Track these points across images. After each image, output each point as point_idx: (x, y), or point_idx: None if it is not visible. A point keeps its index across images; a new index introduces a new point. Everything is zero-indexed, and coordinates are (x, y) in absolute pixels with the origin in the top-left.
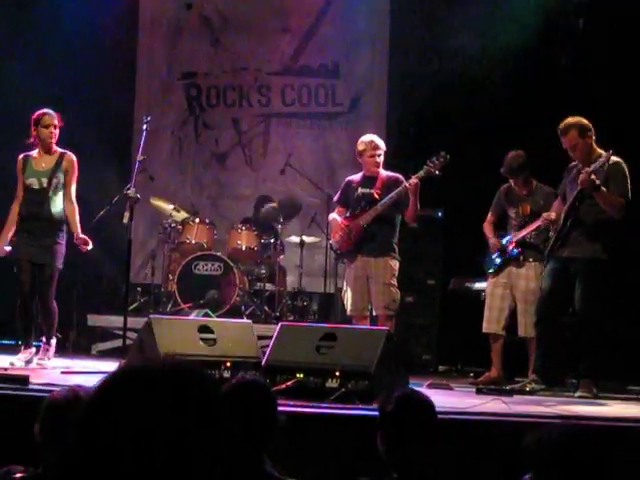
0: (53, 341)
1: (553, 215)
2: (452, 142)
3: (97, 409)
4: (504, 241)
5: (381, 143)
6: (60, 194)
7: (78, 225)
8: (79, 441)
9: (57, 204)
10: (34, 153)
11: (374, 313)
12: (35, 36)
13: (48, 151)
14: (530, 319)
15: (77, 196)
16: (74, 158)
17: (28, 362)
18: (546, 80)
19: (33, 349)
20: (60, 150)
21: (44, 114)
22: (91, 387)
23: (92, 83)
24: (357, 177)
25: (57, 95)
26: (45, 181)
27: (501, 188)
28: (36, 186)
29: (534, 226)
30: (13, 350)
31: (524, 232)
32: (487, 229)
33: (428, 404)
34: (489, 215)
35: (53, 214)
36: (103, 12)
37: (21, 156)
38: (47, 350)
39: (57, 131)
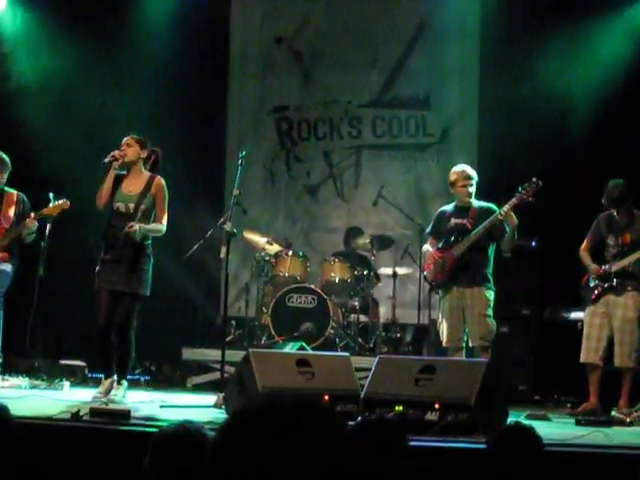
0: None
1: None
2: (546, 169)
3: (224, 451)
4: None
5: (472, 173)
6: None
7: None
8: None
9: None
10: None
11: (470, 344)
12: (127, 70)
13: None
14: (627, 349)
15: (172, 231)
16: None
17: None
18: None
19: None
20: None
21: None
22: (201, 424)
23: (184, 117)
24: (450, 208)
25: (148, 130)
26: (132, 206)
27: (600, 215)
28: (123, 210)
29: (636, 256)
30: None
31: (625, 261)
32: (585, 256)
33: (536, 437)
34: (585, 242)
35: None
36: (194, 46)
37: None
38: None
39: (125, 147)
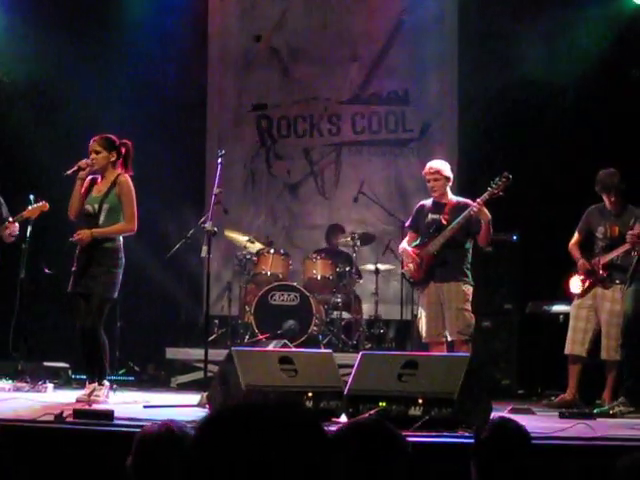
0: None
1: (637, 230)
2: (526, 162)
3: (202, 448)
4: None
5: (441, 168)
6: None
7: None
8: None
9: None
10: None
11: (449, 339)
12: (108, 68)
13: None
14: (614, 342)
15: (151, 229)
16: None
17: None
18: (621, 96)
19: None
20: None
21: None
22: (184, 422)
23: (163, 118)
24: (428, 202)
25: (128, 129)
26: (96, 206)
27: (590, 208)
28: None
29: (623, 249)
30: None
31: (612, 254)
32: (574, 250)
33: (523, 431)
34: (575, 235)
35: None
36: (172, 47)
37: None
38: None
39: (94, 155)
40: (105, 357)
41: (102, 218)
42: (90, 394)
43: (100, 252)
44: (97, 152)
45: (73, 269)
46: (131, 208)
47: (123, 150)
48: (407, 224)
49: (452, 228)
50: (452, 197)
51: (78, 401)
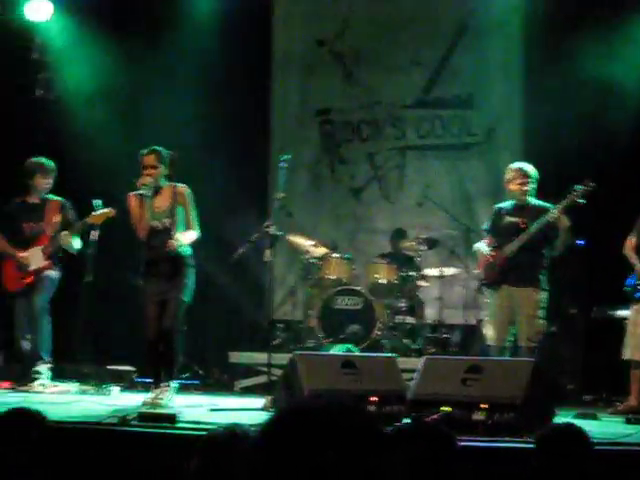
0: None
1: None
2: (593, 166)
3: (265, 451)
4: None
5: (531, 171)
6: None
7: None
8: None
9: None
10: None
11: (517, 344)
12: (169, 78)
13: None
14: None
15: (215, 234)
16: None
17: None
18: None
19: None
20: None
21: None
22: (248, 426)
23: (227, 121)
24: (506, 205)
25: (193, 137)
26: (167, 221)
27: None
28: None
29: None
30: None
31: None
32: (630, 254)
33: (584, 435)
34: (630, 239)
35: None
36: (236, 52)
37: None
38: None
39: (152, 170)
40: (177, 360)
41: (174, 231)
42: (155, 397)
43: (177, 262)
44: (154, 167)
45: (145, 281)
46: (195, 216)
47: (170, 158)
48: (484, 227)
49: (530, 232)
50: (533, 201)
51: (144, 404)
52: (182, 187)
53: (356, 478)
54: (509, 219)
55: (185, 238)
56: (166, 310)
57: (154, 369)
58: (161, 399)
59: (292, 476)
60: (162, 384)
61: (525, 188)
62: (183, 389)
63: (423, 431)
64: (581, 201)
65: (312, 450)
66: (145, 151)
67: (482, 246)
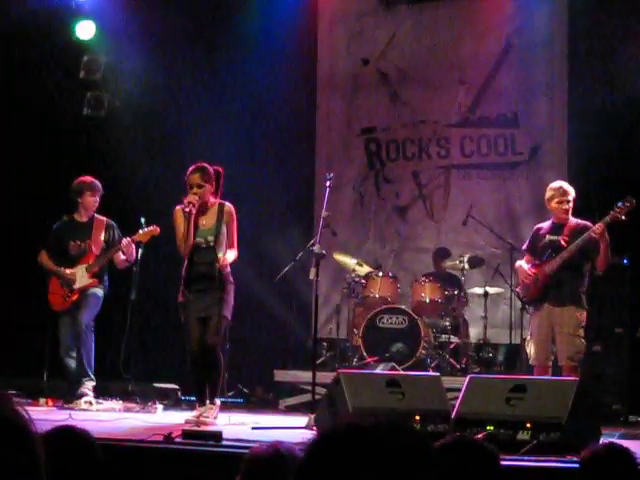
0: (217, 401)
1: None
2: (637, 186)
3: (311, 470)
4: None
5: (570, 189)
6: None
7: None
8: None
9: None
10: None
11: (558, 363)
12: (215, 98)
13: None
14: None
15: (261, 252)
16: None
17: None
18: None
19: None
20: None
21: None
22: (292, 444)
23: (273, 141)
24: (546, 224)
25: (238, 155)
26: (212, 239)
27: None
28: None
29: None
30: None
31: None
32: None
33: (630, 456)
34: None
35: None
36: (281, 71)
37: None
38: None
39: (197, 189)
40: (221, 377)
41: (219, 249)
42: (199, 415)
43: (218, 280)
44: (200, 186)
45: (186, 298)
46: (236, 235)
47: (215, 176)
48: (524, 247)
49: (570, 250)
50: (572, 219)
51: (187, 422)
52: (229, 206)
53: None
54: (549, 237)
55: (230, 257)
56: (208, 327)
57: (198, 387)
58: (206, 417)
59: None
60: (207, 402)
61: (565, 207)
62: (227, 407)
63: (467, 446)
64: (622, 218)
65: (358, 470)
66: (191, 169)
67: (523, 264)
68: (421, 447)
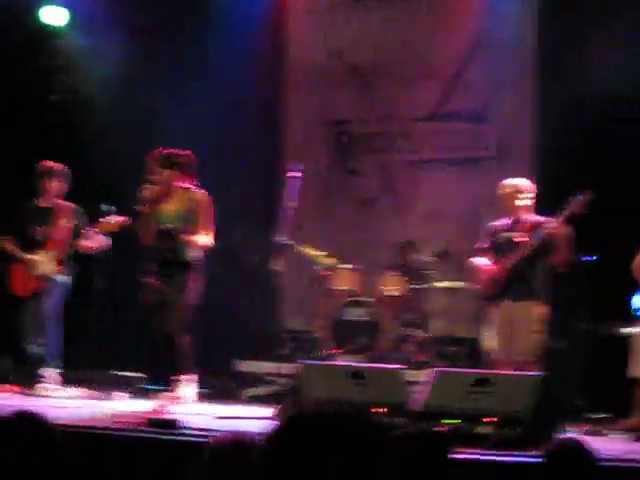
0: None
1: None
2: (603, 182)
3: (273, 457)
4: None
5: (525, 186)
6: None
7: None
8: None
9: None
10: None
11: (519, 358)
12: (184, 82)
13: None
14: None
15: (226, 243)
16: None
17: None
18: None
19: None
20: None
21: None
22: (255, 433)
23: (239, 130)
24: (501, 222)
25: (204, 143)
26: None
27: None
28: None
29: None
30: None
31: None
32: (638, 270)
33: (590, 452)
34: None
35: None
36: (251, 63)
37: None
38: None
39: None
40: (187, 359)
41: (183, 235)
42: (164, 403)
43: (184, 266)
44: (159, 173)
45: (149, 280)
46: (209, 223)
47: (184, 160)
48: (479, 245)
49: (527, 246)
50: (528, 216)
51: (154, 410)
52: (195, 191)
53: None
54: (506, 234)
55: (201, 240)
56: (170, 314)
57: (163, 370)
58: (183, 393)
59: None
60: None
61: (518, 203)
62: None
63: (418, 438)
64: (580, 212)
65: (318, 456)
66: (149, 154)
67: (480, 260)
68: (379, 436)
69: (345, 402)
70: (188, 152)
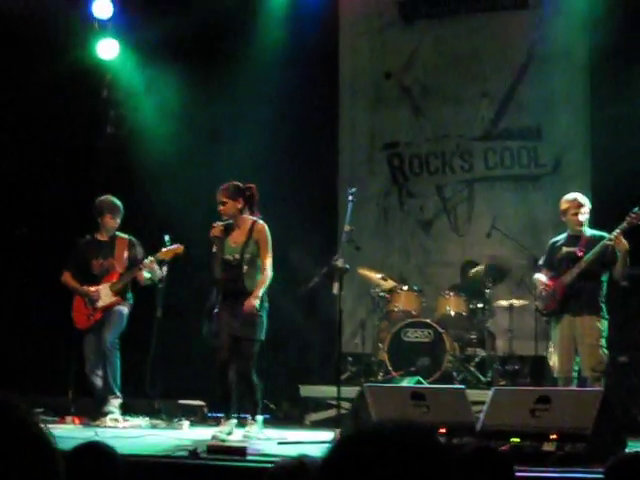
0: (258, 417)
1: None
2: None
3: (331, 475)
4: None
5: (584, 200)
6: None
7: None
8: None
9: (252, 276)
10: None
11: (582, 374)
12: (238, 113)
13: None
14: None
15: (286, 268)
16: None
17: (229, 434)
18: None
19: (234, 421)
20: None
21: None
22: (316, 456)
23: (296, 155)
24: (561, 237)
25: (261, 168)
26: (238, 256)
27: None
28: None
29: None
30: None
31: None
32: None
33: None
34: None
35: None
36: (304, 85)
37: None
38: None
39: (221, 206)
40: (256, 396)
41: (245, 267)
42: (227, 432)
43: (248, 293)
44: (223, 203)
45: (220, 310)
46: (268, 255)
47: (248, 194)
48: (541, 261)
49: (587, 259)
50: (587, 230)
51: (213, 438)
52: (260, 224)
53: None
54: (565, 249)
55: (261, 290)
56: (241, 349)
57: (223, 399)
58: (248, 431)
59: None
60: (235, 421)
61: (580, 218)
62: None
63: (485, 456)
64: (637, 224)
65: (377, 470)
66: (219, 188)
67: (540, 276)
68: (441, 453)
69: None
70: (252, 185)
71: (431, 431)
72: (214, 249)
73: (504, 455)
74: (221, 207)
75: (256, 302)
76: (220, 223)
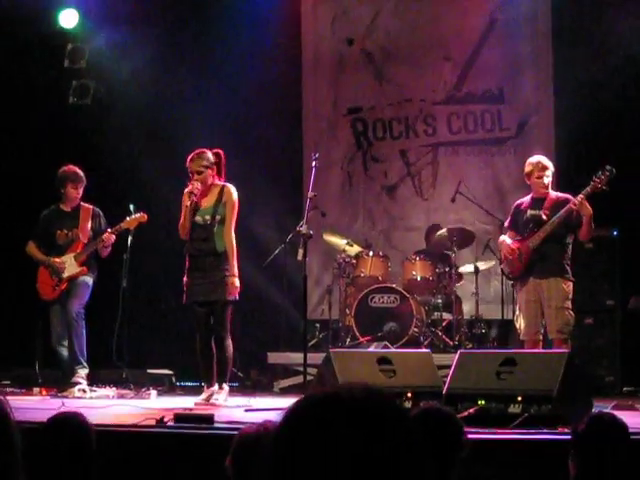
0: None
1: None
2: (625, 158)
3: (287, 438)
4: None
5: (548, 163)
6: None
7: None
8: (273, 472)
9: (221, 236)
10: None
11: (548, 337)
12: (201, 82)
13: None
14: None
15: (251, 235)
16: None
17: (207, 400)
18: None
19: (215, 388)
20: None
21: None
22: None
23: (259, 123)
24: (526, 200)
25: (224, 136)
26: (209, 218)
27: None
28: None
29: None
30: (196, 392)
31: None
32: None
33: (621, 425)
34: None
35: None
36: (265, 54)
37: None
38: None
39: (197, 175)
40: (229, 362)
41: (216, 227)
42: (209, 397)
43: (220, 258)
44: (199, 172)
45: (189, 278)
46: (233, 219)
47: (216, 159)
48: (506, 224)
49: (552, 223)
50: (552, 192)
51: (196, 405)
52: (230, 186)
53: (382, 462)
54: (530, 212)
55: (234, 265)
56: (215, 312)
57: (205, 368)
58: (216, 399)
59: (312, 462)
60: (216, 387)
61: (544, 181)
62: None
63: (433, 417)
64: (604, 187)
65: (334, 432)
66: (189, 157)
67: (506, 239)
68: (399, 416)
69: (363, 384)
70: (220, 150)
71: (390, 394)
72: (184, 210)
73: (450, 416)
74: (198, 177)
75: (237, 281)
76: (197, 184)
